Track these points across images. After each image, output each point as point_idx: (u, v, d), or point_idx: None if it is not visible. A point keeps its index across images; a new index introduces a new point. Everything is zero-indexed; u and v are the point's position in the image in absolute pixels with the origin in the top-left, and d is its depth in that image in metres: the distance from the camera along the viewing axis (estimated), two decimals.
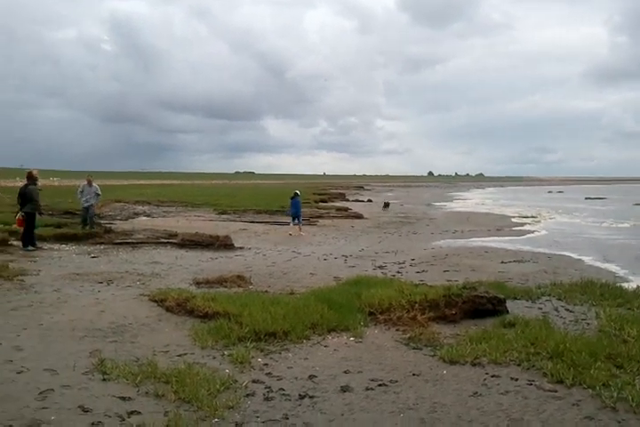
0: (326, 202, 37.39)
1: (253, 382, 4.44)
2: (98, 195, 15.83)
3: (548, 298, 7.62)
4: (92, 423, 3.58)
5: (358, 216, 25.02)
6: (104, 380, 4.36)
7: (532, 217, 27.14)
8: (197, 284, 8.48)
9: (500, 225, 22.06)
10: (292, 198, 18.18)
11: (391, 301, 6.44)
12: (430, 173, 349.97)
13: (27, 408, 3.75)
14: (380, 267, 10.84)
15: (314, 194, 43.43)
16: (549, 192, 71.83)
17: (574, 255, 13.40)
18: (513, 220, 25.35)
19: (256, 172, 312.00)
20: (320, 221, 22.12)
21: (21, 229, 11.97)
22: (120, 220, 19.99)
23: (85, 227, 14.95)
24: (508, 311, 6.58)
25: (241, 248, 13.29)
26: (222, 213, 24.43)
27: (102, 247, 12.69)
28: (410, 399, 4.15)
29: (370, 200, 42.50)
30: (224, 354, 5.07)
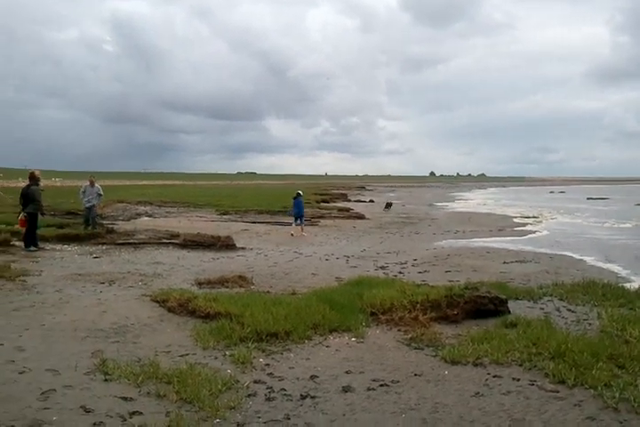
0: (328, 202, 37.41)
1: (255, 382, 4.44)
2: (100, 195, 15.85)
3: (549, 298, 7.61)
4: (94, 424, 3.59)
5: (360, 216, 25.02)
6: (106, 380, 4.37)
7: (534, 217, 27.12)
8: (199, 284, 8.49)
9: (502, 225, 22.04)
10: (295, 198, 18.10)
11: (393, 301, 6.44)
12: (432, 174, 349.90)
13: (29, 409, 3.77)
14: (382, 267, 10.83)
15: (315, 194, 43.42)
16: (551, 192, 71.73)
17: (576, 256, 13.37)
18: (515, 220, 25.32)
19: (258, 172, 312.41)
20: (322, 221, 22.11)
21: (23, 230, 11.97)
22: (122, 220, 19.99)
23: (87, 227, 14.97)
24: (509, 312, 6.57)
25: (243, 249, 13.29)
26: (224, 214, 24.43)
27: (104, 248, 12.71)
28: (411, 400, 4.15)
29: (372, 200, 42.57)
30: (226, 354, 5.08)
